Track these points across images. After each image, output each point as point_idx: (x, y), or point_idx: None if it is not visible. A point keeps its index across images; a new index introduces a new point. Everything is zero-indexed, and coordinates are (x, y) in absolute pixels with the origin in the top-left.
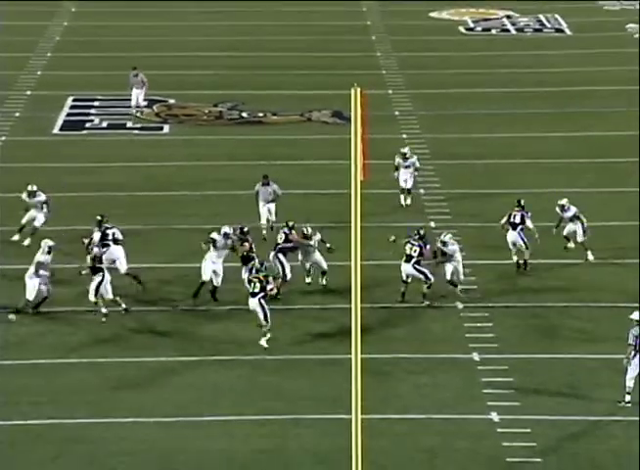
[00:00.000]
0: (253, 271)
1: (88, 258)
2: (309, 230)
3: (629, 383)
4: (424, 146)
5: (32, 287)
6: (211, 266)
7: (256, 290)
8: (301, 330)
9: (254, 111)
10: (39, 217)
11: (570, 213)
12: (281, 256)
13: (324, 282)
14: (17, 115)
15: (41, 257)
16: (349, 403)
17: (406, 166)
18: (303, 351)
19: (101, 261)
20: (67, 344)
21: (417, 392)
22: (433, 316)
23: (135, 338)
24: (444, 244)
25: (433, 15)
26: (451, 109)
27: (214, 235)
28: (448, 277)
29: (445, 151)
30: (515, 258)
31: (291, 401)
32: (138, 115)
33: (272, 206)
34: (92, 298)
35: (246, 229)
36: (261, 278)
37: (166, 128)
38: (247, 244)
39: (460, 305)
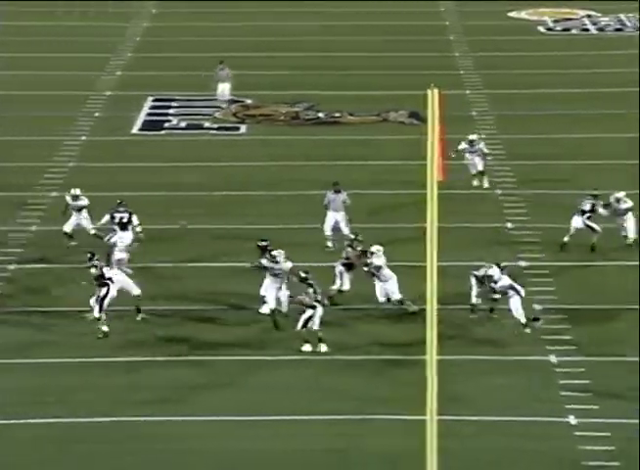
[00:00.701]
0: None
1: (93, 270)
2: (372, 250)
3: None
4: (500, 146)
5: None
6: (273, 293)
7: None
8: (374, 330)
9: (331, 111)
10: (84, 222)
11: (624, 206)
12: (342, 268)
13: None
14: (96, 115)
15: (120, 254)
16: (419, 404)
17: (472, 152)
18: (375, 351)
19: (103, 277)
20: (134, 341)
21: (492, 393)
22: (508, 319)
23: (205, 337)
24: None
25: (511, 15)
26: (528, 109)
27: (264, 262)
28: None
29: (522, 151)
30: (566, 239)
31: (361, 402)
32: (217, 115)
33: (341, 215)
34: (96, 313)
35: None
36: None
37: (243, 128)
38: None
39: (538, 307)
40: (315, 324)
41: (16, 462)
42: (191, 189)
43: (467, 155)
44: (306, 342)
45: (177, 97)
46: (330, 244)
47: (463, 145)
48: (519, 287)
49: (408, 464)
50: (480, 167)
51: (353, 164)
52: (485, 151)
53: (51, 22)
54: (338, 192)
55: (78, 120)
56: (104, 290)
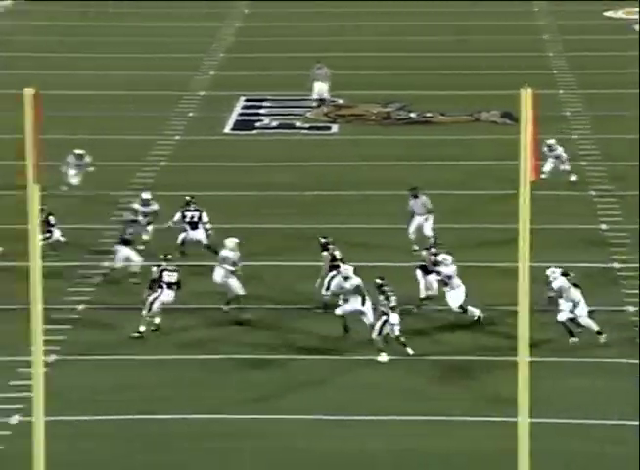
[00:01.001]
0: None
1: (154, 269)
2: (439, 260)
3: None
4: (594, 146)
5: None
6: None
7: (394, 303)
8: (462, 332)
9: (423, 111)
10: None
11: None
12: (419, 272)
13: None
14: (190, 114)
15: (228, 252)
16: (507, 406)
17: (555, 157)
18: (465, 352)
19: (160, 280)
20: (226, 341)
21: (578, 396)
22: (598, 321)
23: (295, 338)
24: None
25: (608, 14)
26: (623, 109)
27: (334, 287)
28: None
29: (616, 152)
30: None
31: (448, 402)
32: (308, 115)
33: (422, 219)
34: (145, 312)
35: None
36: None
37: (335, 128)
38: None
39: (632, 309)
40: (394, 331)
41: (118, 459)
42: (283, 189)
43: (549, 160)
44: (381, 351)
45: (269, 97)
46: (415, 246)
47: (543, 149)
48: (578, 297)
49: (495, 466)
50: (567, 167)
51: (445, 165)
52: (564, 156)
53: (145, 23)
54: (416, 196)
55: (172, 120)
56: (157, 292)
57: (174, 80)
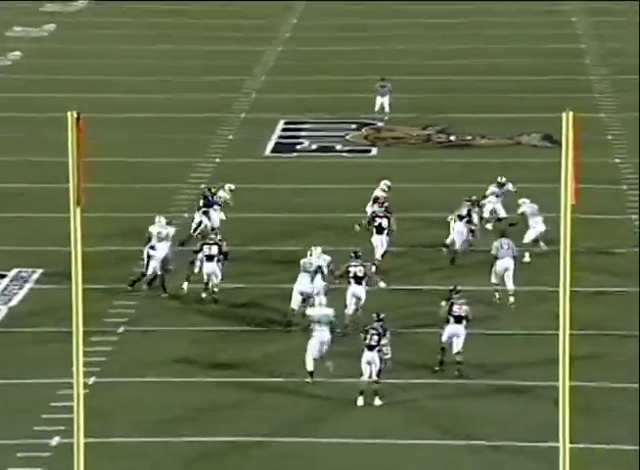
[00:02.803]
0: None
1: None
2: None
3: None
4: (636, 171)
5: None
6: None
7: (374, 342)
8: (507, 355)
9: (463, 134)
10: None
11: None
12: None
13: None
14: (230, 137)
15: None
16: (556, 432)
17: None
18: (509, 376)
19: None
20: (268, 362)
21: (624, 422)
22: None
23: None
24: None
25: None
26: None
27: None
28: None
29: None
30: None
31: (497, 428)
32: (348, 137)
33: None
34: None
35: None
36: (379, 330)
37: (374, 151)
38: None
39: None
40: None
41: None
42: (324, 210)
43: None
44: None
45: (309, 120)
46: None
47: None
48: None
49: None
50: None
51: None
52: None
53: (187, 46)
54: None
55: (213, 142)
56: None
57: (216, 103)
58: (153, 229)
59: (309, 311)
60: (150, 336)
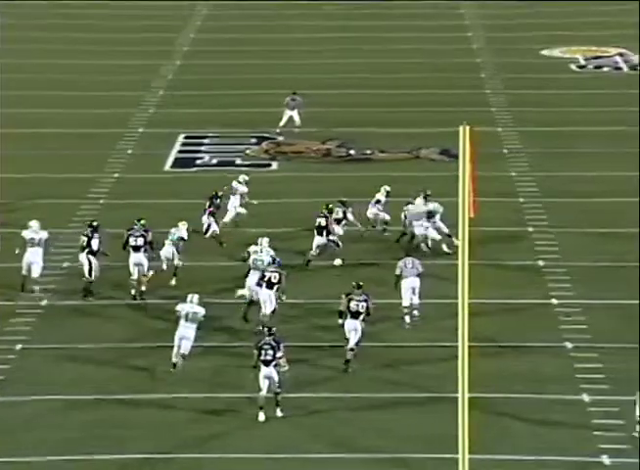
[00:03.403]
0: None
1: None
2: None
3: None
4: (533, 184)
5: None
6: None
7: (269, 357)
8: (407, 368)
9: (362, 148)
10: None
11: None
12: None
13: None
14: (129, 152)
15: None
16: (455, 443)
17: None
18: (408, 388)
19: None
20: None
21: (528, 432)
22: (543, 356)
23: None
24: None
25: (544, 53)
26: (561, 147)
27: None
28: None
29: (554, 189)
30: None
31: (399, 440)
32: (248, 152)
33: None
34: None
35: None
36: (273, 343)
37: (275, 165)
38: None
39: (569, 345)
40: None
41: None
42: (227, 225)
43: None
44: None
45: (209, 134)
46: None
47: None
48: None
49: None
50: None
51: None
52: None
53: (85, 60)
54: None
55: (111, 158)
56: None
57: (114, 118)
58: (26, 234)
59: (179, 307)
60: (48, 353)
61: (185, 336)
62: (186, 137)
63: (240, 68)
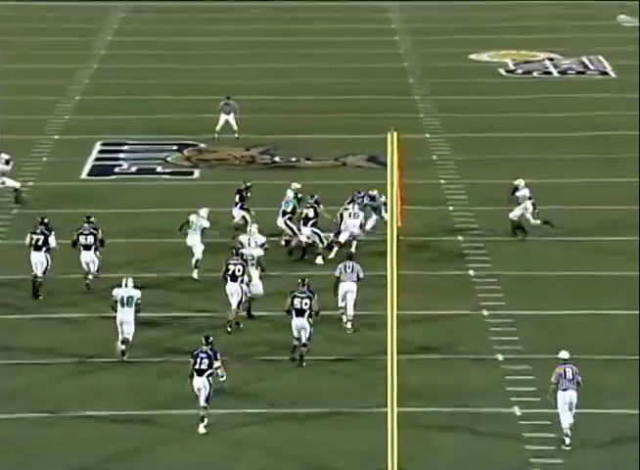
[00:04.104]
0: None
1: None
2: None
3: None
4: (462, 191)
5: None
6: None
7: (204, 366)
8: (333, 381)
9: (287, 155)
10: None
11: None
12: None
13: None
14: (44, 159)
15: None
16: (385, 457)
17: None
18: (336, 402)
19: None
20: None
21: (456, 446)
22: (472, 369)
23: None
24: None
25: (472, 57)
26: (490, 153)
27: None
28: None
29: (484, 196)
30: None
31: (326, 455)
32: (169, 159)
33: None
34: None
35: None
36: (209, 353)
37: (197, 173)
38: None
39: (500, 357)
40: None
41: None
42: (144, 236)
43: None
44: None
45: (128, 141)
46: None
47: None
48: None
49: None
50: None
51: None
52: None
53: (0, 65)
54: None
55: (25, 165)
56: None
57: (28, 124)
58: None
59: (114, 291)
60: None
61: (124, 320)
62: (104, 144)
63: (160, 72)
